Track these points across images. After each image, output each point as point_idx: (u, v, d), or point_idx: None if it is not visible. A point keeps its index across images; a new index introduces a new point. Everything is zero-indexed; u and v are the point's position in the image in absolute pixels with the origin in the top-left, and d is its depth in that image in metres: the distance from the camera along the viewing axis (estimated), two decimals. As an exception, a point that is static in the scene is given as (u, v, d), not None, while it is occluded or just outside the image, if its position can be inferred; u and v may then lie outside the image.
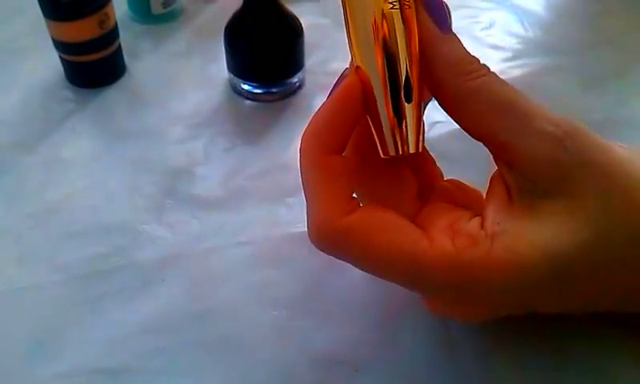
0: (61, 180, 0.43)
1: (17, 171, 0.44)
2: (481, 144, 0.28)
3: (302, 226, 0.39)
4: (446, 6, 0.28)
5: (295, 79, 0.50)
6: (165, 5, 0.57)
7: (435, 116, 0.38)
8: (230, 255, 0.38)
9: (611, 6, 0.59)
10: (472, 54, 0.28)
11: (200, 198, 0.42)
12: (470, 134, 0.28)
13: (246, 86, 0.49)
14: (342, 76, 0.30)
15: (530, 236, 0.26)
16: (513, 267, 0.25)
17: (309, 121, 0.28)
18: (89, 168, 0.44)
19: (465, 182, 0.33)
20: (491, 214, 0.28)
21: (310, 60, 0.52)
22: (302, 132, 0.28)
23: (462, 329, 0.35)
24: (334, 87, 0.29)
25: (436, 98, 0.29)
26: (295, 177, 0.43)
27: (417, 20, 0.27)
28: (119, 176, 0.44)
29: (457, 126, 0.38)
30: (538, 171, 0.26)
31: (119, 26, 0.50)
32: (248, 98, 0.50)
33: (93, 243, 0.39)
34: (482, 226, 0.27)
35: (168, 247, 0.39)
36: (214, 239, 0.39)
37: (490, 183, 0.30)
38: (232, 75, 0.50)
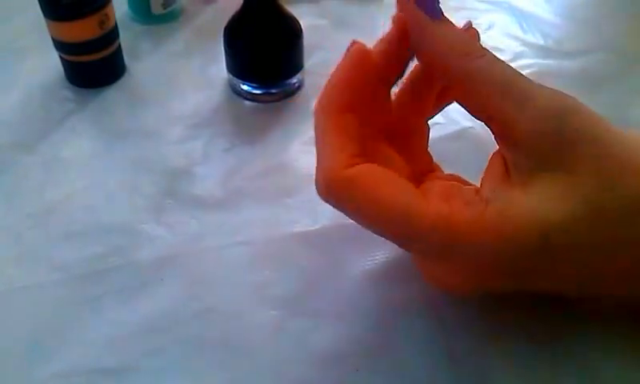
0: (60, 180, 0.43)
1: (16, 171, 0.44)
2: (479, 145, 0.29)
3: (301, 226, 0.40)
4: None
5: (294, 80, 0.50)
6: (165, 5, 0.57)
7: (434, 118, 0.38)
8: (229, 255, 0.39)
9: (611, 8, 0.60)
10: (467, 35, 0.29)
11: (199, 198, 0.42)
12: (470, 113, 0.29)
13: (245, 87, 0.49)
14: (351, 44, 0.32)
15: (524, 204, 0.26)
16: (504, 230, 0.26)
17: (324, 85, 0.31)
18: (88, 168, 0.44)
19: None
20: (487, 183, 0.29)
21: (310, 61, 0.52)
22: (317, 97, 0.31)
23: (461, 328, 0.35)
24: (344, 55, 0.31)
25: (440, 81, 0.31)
26: (294, 177, 0.43)
27: (410, 15, 0.29)
28: (119, 176, 0.44)
29: (455, 127, 0.38)
30: (537, 147, 0.27)
31: (119, 26, 0.50)
32: (247, 99, 0.50)
33: (92, 243, 0.39)
34: (478, 192, 0.28)
35: (167, 247, 0.39)
36: (212, 239, 0.39)
37: (490, 160, 0.31)
38: (231, 76, 0.50)
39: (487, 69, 0.28)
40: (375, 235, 0.39)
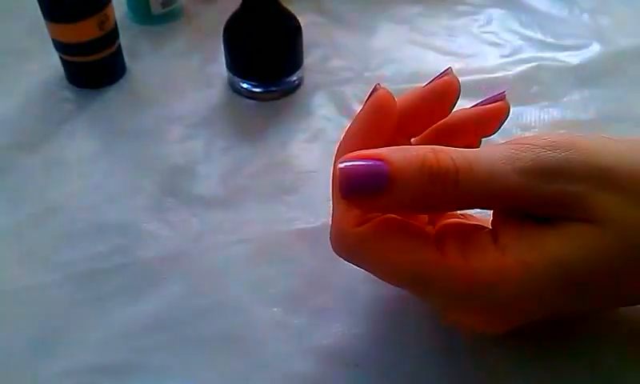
0: (62, 180, 0.44)
1: (18, 171, 0.44)
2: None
3: (301, 224, 0.40)
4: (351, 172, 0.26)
5: (294, 78, 0.50)
6: (164, 5, 0.57)
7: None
8: (230, 252, 0.39)
9: (609, 2, 0.60)
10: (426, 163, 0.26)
11: (200, 196, 0.42)
12: None
13: (245, 85, 0.49)
14: (374, 89, 0.31)
15: (541, 246, 0.26)
16: (522, 274, 0.25)
17: (345, 131, 0.31)
18: (89, 168, 0.45)
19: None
20: (501, 228, 0.28)
21: (309, 58, 0.52)
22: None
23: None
24: (366, 100, 0.31)
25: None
26: (294, 175, 0.43)
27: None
28: (120, 175, 0.44)
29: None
30: (550, 209, 0.27)
31: (119, 26, 0.51)
32: (247, 97, 0.50)
33: (94, 242, 0.39)
34: (493, 237, 0.27)
35: (168, 245, 0.39)
36: (213, 237, 0.40)
37: None
38: (231, 74, 0.50)
39: (471, 183, 0.25)
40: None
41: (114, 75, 0.52)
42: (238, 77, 0.49)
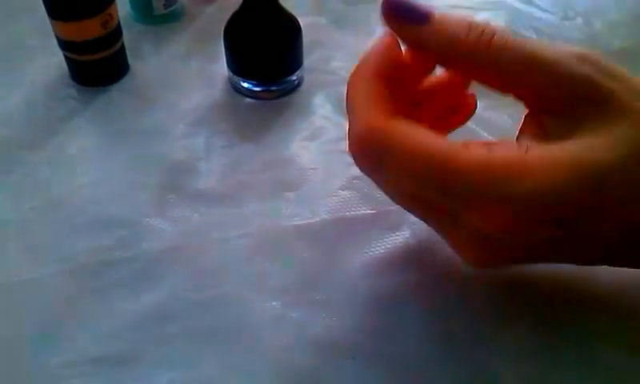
0: (66, 176, 0.44)
1: (23, 167, 0.45)
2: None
3: (300, 220, 0.41)
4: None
5: (294, 77, 0.50)
6: (166, 5, 0.57)
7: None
8: (231, 247, 0.39)
9: (603, 4, 0.60)
10: (467, 20, 0.29)
11: (201, 192, 0.43)
12: (499, 92, 0.30)
13: (245, 84, 0.50)
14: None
15: (566, 146, 0.26)
16: (546, 170, 0.25)
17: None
18: (93, 164, 0.45)
19: None
20: (526, 136, 0.29)
21: (309, 58, 0.52)
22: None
23: (459, 318, 0.35)
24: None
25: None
26: (294, 172, 0.44)
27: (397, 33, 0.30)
28: (122, 171, 0.44)
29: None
30: (571, 111, 0.27)
31: (122, 26, 0.51)
32: (248, 96, 0.50)
33: (97, 236, 0.40)
34: (517, 144, 0.28)
35: (170, 240, 0.40)
36: (214, 232, 0.40)
37: (524, 121, 0.31)
38: (232, 74, 0.50)
39: (503, 49, 0.27)
40: (373, 229, 0.40)
41: (117, 74, 0.52)
42: (239, 76, 0.50)
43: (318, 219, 0.41)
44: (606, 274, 0.37)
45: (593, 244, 0.30)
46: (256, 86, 0.50)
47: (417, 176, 0.27)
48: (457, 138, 0.28)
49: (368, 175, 0.30)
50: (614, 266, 0.32)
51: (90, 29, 0.48)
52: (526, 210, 0.26)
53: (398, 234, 0.40)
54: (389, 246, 0.39)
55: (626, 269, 0.32)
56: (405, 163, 0.27)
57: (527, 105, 0.30)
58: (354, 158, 0.29)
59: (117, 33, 0.50)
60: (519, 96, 0.30)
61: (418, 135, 0.27)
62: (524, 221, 0.27)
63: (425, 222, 0.34)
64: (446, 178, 0.26)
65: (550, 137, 0.28)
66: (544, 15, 0.59)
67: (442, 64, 0.31)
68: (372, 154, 0.28)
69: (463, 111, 0.36)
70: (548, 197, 0.25)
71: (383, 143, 0.27)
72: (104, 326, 0.36)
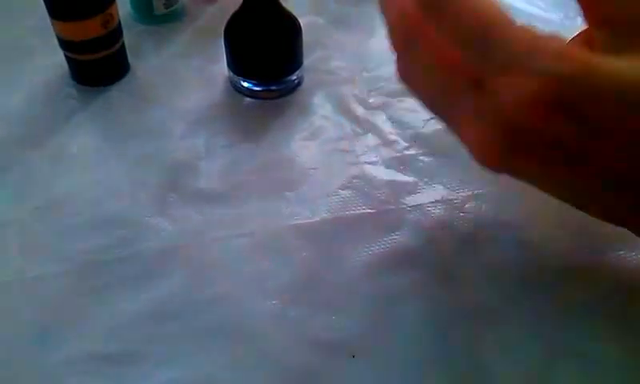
0: (66, 174, 0.44)
1: (23, 166, 0.45)
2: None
3: (300, 219, 0.41)
4: None
5: (294, 77, 0.51)
6: (167, 5, 0.57)
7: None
8: (231, 247, 0.39)
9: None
10: None
11: (201, 191, 0.43)
12: None
13: (246, 84, 0.50)
14: None
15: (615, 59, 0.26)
16: (578, 54, 0.25)
17: None
18: (93, 163, 0.45)
19: None
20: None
21: (309, 58, 0.52)
22: None
23: (456, 316, 0.36)
24: None
25: None
26: (294, 172, 0.44)
27: None
28: (123, 171, 0.45)
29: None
30: (633, 22, 0.27)
31: (122, 26, 0.51)
32: (248, 96, 0.50)
33: (98, 235, 0.40)
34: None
35: (170, 239, 0.40)
36: (214, 231, 0.40)
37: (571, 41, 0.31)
38: (232, 73, 0.50)
39: None
40: (372, 229, 0.40)
41: (118, 73, 0.52)
42: (239, 76, 0.50)
43: (317, 219, 0.41)
44: (607, 273, 0.37)
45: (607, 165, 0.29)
46: (256, 85, 0.50)
47: (474, 24, 0.27)
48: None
49: (409, 36, 0.30)
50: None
51: (90, 28, 0.48)
52: (559, 91, 0.26)
53: (397, 233, 0.40)
54: (388, 245, 0.39)
55: (627, 268, 0.32)
56: (465, 11, 0.27)
57: (590, 13, 0.30)
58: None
59: (117, 32, 0.50)
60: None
61: None
62: (551, 104, 0.26)
63: (443, 113, 0.33)
64: (501, 33, 0.26)
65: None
66: (545, 14, 0.59)
67: None
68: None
69: None
70: (584, 85, 0.25)
71: None
72: (104, 324, 0.36)
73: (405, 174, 0.44)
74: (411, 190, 0.43)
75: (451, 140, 0.31)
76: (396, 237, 0.40)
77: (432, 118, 0.45)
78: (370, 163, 0.45)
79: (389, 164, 0.44)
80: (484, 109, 0.28)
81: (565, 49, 0.26)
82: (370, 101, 0.50)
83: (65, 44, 0.49)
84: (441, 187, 0.43)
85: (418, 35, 0.30)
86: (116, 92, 0.51)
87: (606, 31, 0.29)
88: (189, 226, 0.41)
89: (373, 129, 0.47)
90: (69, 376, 0.34)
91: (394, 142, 0.46)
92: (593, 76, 0.25)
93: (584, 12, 0.30)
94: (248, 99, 0.50)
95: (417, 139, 0.46)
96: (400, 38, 0.31)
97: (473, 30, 0.27)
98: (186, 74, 0.53)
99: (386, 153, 0.45)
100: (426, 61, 0.31)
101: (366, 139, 0.46)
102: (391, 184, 0.43)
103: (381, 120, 0.48)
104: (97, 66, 0.50)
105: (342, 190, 0.43)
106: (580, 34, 0.31)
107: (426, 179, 0.43)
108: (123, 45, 0.52)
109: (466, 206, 0.41)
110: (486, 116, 0.28)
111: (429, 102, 0.33)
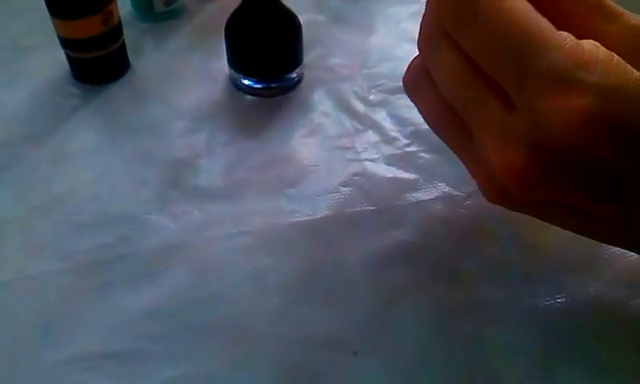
0: (67, 172, 0.44)
1: (25, 164, 0.45)
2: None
3: (301, 216, 0.41)
4: None
5: (294, 74, 0.51)
6: (167, 3, 0.57)
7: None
8: (232, 244, 0.39)
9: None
10: None
11: (202, 189, 0.43)
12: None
13: (246, 82, 0.50)
14: None
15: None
16: (630, 69, 0.24)
17: None
18: (94, 161, 0.45)
19: None
20: None
21: (309, 56, 0.53)
22: None
23: (458, 312, 0.36)
24: None
25: None
26: (294, 169, 0.44)
27: None
28: (124, 168, 0.45)
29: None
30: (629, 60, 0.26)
31: (123, 24, 0.51)
32: (248, 93, 0.50)
33: (99, 233, 0.40)
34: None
35: (171, 236, 0.40)
36: (215, 228, 0.40)
37: None
38: (233, 71, 0.51)
39: None
40: (373, 226, 0.40)
41: (118, 71, 0.52)
42: (240, 73, 0.50)
43: (318, 216, 0.41)
44: (607, 270, 0.37)
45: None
46: (257, 83, 0.50)
47: (509, 40, 0.25)
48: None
49: (431, 45, 0.29)
50: None
51: (90, 26, 0.48)
52: (606, 105, 0.24)
53: (398, 230, 0.40)
54: (389, 242, 0.39)
55: (627, 265, 0.33)
56: (502, 26, 0.25)
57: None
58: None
59: (117, 31, 0.50)
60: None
61: (521, 3, 0.25)
62: (597, 118, 0.24)
63: (452, 138, 0.31)
64: (541, 49, 0.24)
65: None
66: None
67: None
68: (468, 5, 0.26)
69: None
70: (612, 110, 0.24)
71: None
72: (105, 322, 0.36)
73: (405, 171, 0.44)
74: (412, 186, 0.43)
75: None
76: (397, 234, 0.40)
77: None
78: (370, 160, 0.45)
79: (389, 161, 0.45)
80: (516, 128, 0.26)
81: (613, 61, 0.24)
82: (371, 98, 0.50)
83: (65, 42, 0.50)
84: (441, 184, 0.43)
85: (441, 41, 0.28)
86: (116, 90, 0.51)
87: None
88: (190, 224, 0.41)
89: (373, 126, 0.47)
90: (69, 374, 0.34)
91: (395, 138, 0.46)
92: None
93: None
94: (248, 97, 0.50)
95: (417, 136, 0.46)
96: (422, 40, 0.29)
97: (509, 43, 0.25)
98: (187, 72, 0.53)
99: (387, 150, 0.45)
100: (443, 71, 0.29)
101: (366, 136, 0.47)
102: (392, 181, 0.43)
103: (381, 117, 0.48)
104: (97, 64, 0.50)
105: (343, 187, 0.43)
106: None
107: (426, 176, 0.43)
108: (123, 43, 0.52)
109: (467, 202, 0.41)
110: (519, 136, 0.25)
111: (435, 120, 0.32)
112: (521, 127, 0.25)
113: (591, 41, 0.25)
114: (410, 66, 0.32)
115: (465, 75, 0.27)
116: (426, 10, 0.29)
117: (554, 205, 0.28)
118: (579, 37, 0.25)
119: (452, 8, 0.27)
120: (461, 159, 0.31)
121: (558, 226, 0.30)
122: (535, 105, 0.25)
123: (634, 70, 0.24)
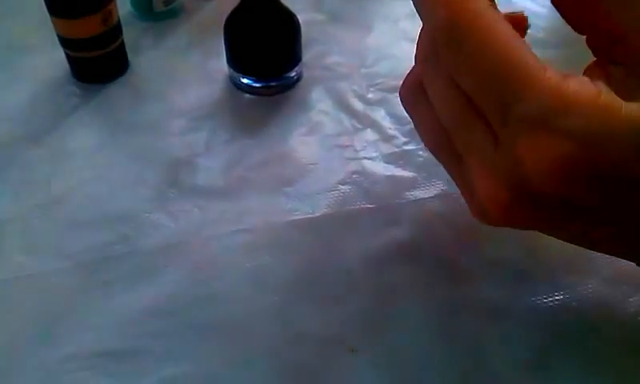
0: (67, 171, 0.44)
1: (24, 163, 0.45)
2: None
3: (300, 214, 0.41)
4: None
5: (293, 73, 0.51)
6: (166, 2, 0.57)
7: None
8: (231, 242, 0.40)
9: None
10: None
11: (202, 187, 0.43)
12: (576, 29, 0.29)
13: (245, 80, 0.50)
14: None
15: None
16: (622, 119, 0.23)
17: None
18: (94, 160, 0.45)
19: None
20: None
21: (308, 55, 0.53)
22: None
23: (458, 314, 0.36)
24: None
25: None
26: (294, 167, 0.44)
27: None
28: (123, 167, 0.45)
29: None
30: None
31: (122, 23, 0.51)
32: (247, 92, 0.50)
33: (98, 232, 0.40)
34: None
35: (171, 235, 0.40)
36: (215, 227, 0.40)
37: (586, 71, 0.30)
38: (232, 70, 0.51)
39: None
40: (372, 224, 0.40)
41: (118, 70, 0.52)
42: (239, 72, 0.50)
43: (317, 214, 0.41)
44: (607, 266, 0.37)
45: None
46: (256, 81, 0.50)
47: (492, 74, 0.24)
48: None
49: (426, 62, 0.28)
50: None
51: (89, 26, 0.48)
52: (587, 152, 0.23)
53: (397, 228, 0.40)
54: (388, 240, 0.39)
55: (627, 262, 0.33)
56: (479, 62, 0.25)
57: (600, 51, 0.29)
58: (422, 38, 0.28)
59: (117, 30, 0.50)
60: (595, 38, 0.29)
61: (501, 32, 0.25)
62: (577, 165, 0.24)
63: (443, 156, 0.31)
64: (515, 90, 0.24)
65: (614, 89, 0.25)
66: (540, 9, 0.59)
67: None
68: (452, 33, 0.25)
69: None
70: (608, 145, 0.23)
71: (472, 25, 0.25)
72: (105, 320, 0.36)
73: (404, 169, 0.44)
74: (410, 184, 0.43)
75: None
76: (395, 232, 0.40)
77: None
78: (369, 158, 0.45)
79: (388, 159, 0.45)
80: (500, 165, 0.26)
81: (599, 101, 0.23)
82: (369, 96, 0.50)
83: (65, 42, 0.50)
84: (440, 182, 0.43)
85: (435, 61, 0.27)
86: (116, 89, 0.51)
87: (620, 70, 0.28)
88: (189, 222, 0.41)
89: (372, 124, 0.47)
90: (69, 373, 0.34)
91: (393, 137, 0.46)
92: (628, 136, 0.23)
93: (596, 51, 0.29)
94: (247, 95, 0.50)
95: (415, 134, 0.46)
96: (418, 55, 0.29)
97: (492, 75, 0.24)
98: (186, 71, 0.53)
99: (385, 148, 0.45)
100: (436, 90, 0.28)
101: (365, 134, 0.47)
102: (390, 179, 0.43)
103: (380, 115, 0.48)
104: (97, 63, 0.50)
105: (342, 185, 0.43)
106: (594, 64, 0.30)
107: (424, 174, 0.43)
108: (123, 42, 0.52)
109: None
110: (503, 174, 0.26)
111: (428, 136, 0.32)
112: (504, 165, 0.25)
113: (578, 77, 0.24)
114: (406, 78, 0.32)
115: (455, 99, 0.27)
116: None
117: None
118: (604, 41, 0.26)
119: (439, 29, 0.26)
120: (451, 176, 0.31)
121: (551, 236, 0.31)
122: (517, 145, 0.25)
123: (622, 105, 0.23)
